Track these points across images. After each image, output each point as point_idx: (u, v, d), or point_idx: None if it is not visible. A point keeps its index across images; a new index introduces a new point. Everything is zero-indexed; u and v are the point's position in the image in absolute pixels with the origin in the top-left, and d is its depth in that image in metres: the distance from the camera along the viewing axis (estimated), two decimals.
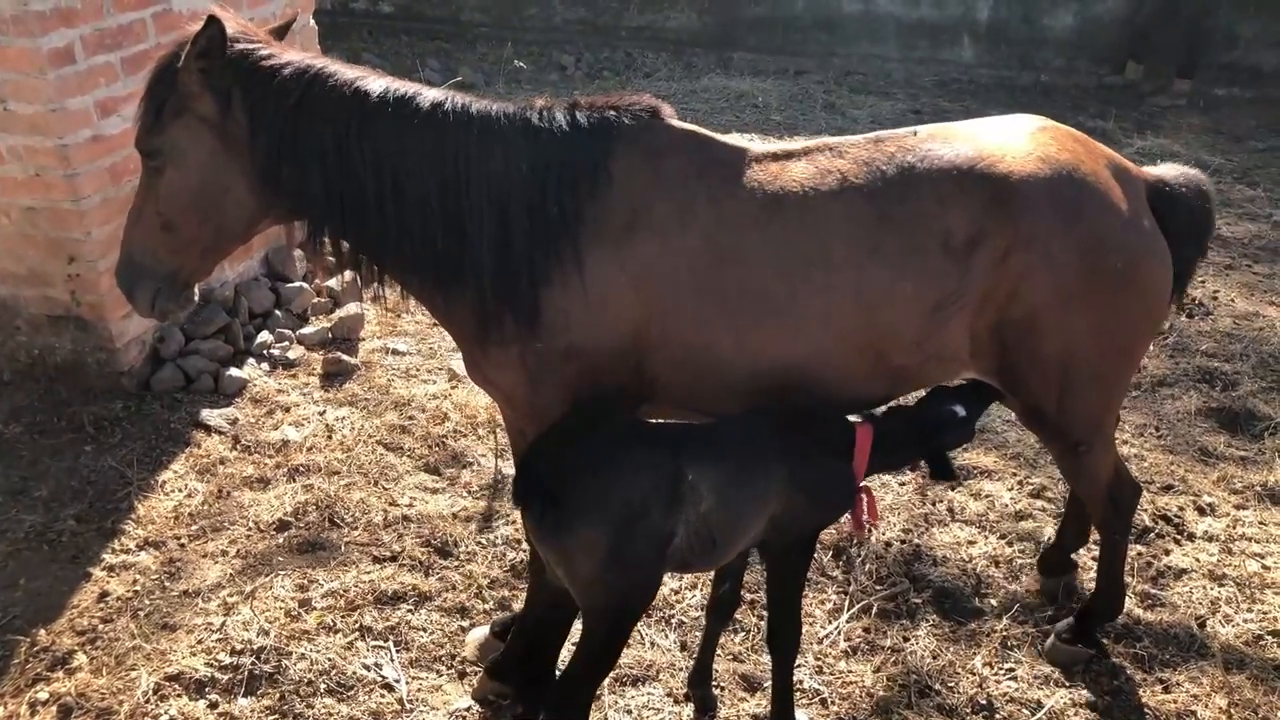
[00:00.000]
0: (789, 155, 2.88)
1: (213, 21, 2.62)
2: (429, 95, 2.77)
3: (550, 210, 2.71)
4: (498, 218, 2.73)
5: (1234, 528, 4.12)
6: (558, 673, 2.91)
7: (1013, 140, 2.86)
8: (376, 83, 2.76)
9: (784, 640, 2.99)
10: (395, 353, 5.40)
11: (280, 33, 2.98)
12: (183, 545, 3.94)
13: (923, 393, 3.10)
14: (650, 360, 2.82)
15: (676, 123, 2.90)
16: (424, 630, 3.54)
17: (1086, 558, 3.92)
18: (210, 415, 4.68)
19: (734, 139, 3.04)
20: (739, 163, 2.84)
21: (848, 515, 2.95)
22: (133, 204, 2.89)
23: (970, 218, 2.75)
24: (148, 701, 3.21)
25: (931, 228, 2.76)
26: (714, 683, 3.30)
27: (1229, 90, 10.01)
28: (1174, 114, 9.59)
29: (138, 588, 3.71)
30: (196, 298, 3.05)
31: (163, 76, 2.74)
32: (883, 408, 3.07)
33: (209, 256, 2.93)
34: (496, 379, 2.92)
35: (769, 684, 3.25)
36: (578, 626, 2.90)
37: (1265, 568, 3.90)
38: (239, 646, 3.40)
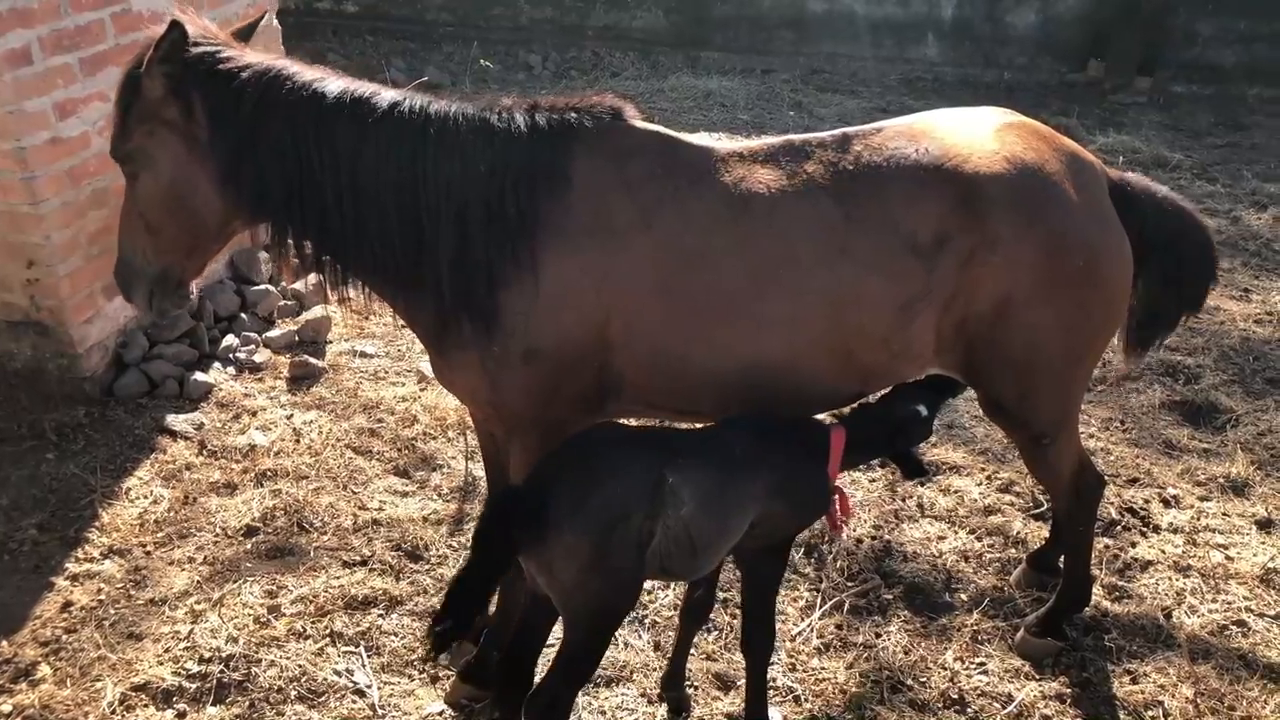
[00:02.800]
0: (755, 156, 2.88)
1: (175, 26, 2.62)
2: (386, 96, 2.76)
3: (508, 212, 2.70)
4: (455, 219, 2.71)
5: (1198, 519, 4.18)
6: (537, 676, 2.89)
7: (978, 138, 2.88)
8: (334, 83, 2.76)
9: (758, 643, 2.99)
10: (363, 355, 5.35)
11: (244, 34, 2.97)
12: (148, 553, 3.89)
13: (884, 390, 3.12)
14: (616, 361, 2.81)
15: (640, 123, 2.89)
16: (395, 635, 3.52)
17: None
18: (175, 420, 4.62)
19: (701, 138, 3.03)
20: (705, 163, 2.83)
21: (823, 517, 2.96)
22: (122, 208, 2.95)
23: (937, 217, 2.77)
24: (113, 712, 3.16)
25: (899, 228, 2.78)
26: (687, 682, 3.30)
27: (1188, 87, 10.15)
28: (1135, 111, 9.71)
29: (102, 597, 3.65)
30: (194, 295, 3.12)
31: (128, 83, 2.76)
32: (849, 408, 3.08)
33: (194, 256, 2.98)
34: (458, 381, 2.91)
35: (742, 682, 3.25)
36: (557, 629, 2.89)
37: (1229, 558, 3.95)
38: (207, 654, 3.36)
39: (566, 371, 2.80)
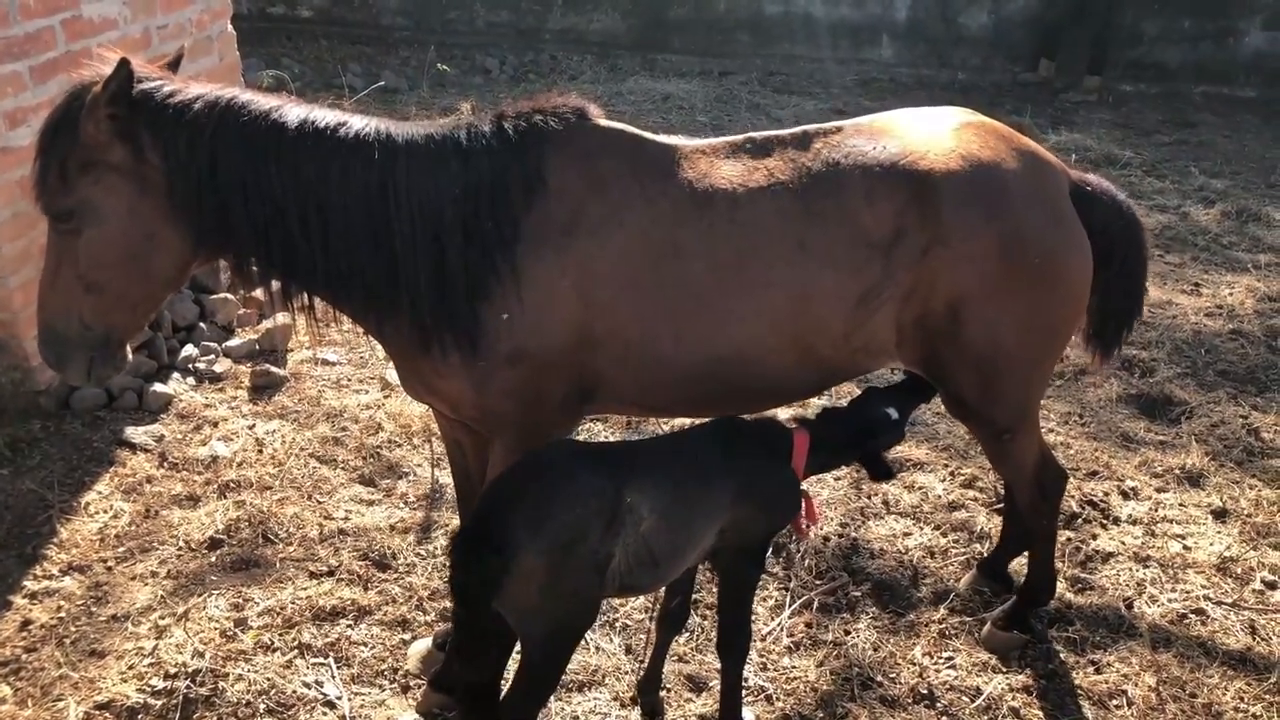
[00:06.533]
0: (717, 152, 2.92)
1: (123, 64, 2.49)
2: (352, 125, 2.70)
3: (486, 226, 2.69)
4: (431, 242, 2.68)
5: (1156, 510, 4.26)
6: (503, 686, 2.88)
7: (936, 137, 2.93)
8: (293, 112, 2.68)
9: (734, 645, 3.00)
10: (325, 363, 5.31)
11: (174, 65, 2.86)
12: (109, 568, 3.82)
13: (857, 392, 3.15)
14: (594, 359, 2.82)
15: (605, 122, 2.91)
16: (365, 645, 3.49)
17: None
18: (135, 433, 4.54)
19: (662, 137, 3.04)
20: (669, 160, 2.87)
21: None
22: (44, 273, 2.71)
23: (893, 213, 2.82)
24: None
25: (856, 222, 2.82)
26: (662, 685, 3.31)
27: (1136, 86, 10.36)
28: (1085, 109, 9.89)
29: (63, 614, 3.58)
30: (131, 355, 2.88)
31: (59, 130, 2.57)
32: (815, 409, 3.10)
33: (141, 310, 2.81)
34: (441, 387, 2.88)
35: (715, 684, 3.27)
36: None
37: (1186, 548, 4.03)
38: (173, 670, 3.31)
39: (550, 372, 2.80)
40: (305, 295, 2.82)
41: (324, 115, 2.71)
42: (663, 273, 2.78)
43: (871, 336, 2.90)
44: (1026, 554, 3.62)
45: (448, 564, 2.60)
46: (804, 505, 2.97)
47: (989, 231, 2.84)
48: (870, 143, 2.90)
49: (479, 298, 2.70)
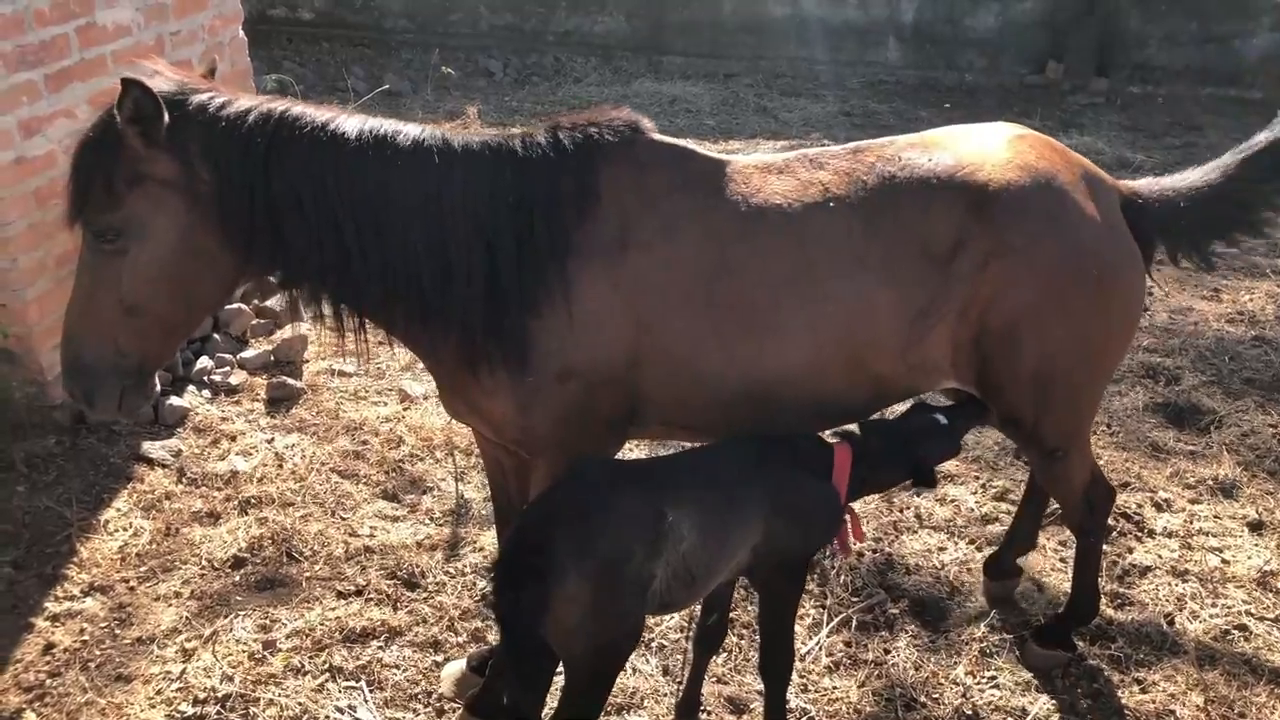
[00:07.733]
0: (769, 167, 2.87)
1: (129, 86, 2.39)
2: (409, 133, 2.65)
3: (539, 237, 2.63)
4: (483, 253, 2.63)
5: (1191, 523, 4.20)
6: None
7: (992, 148, 2.88)
8: (351, 123, 2.62)
9: (777, 667, 2.95)
10: (342, 374, 5.23)
11: (210, 76, 2.80)
12: (132, 588, 3.74)
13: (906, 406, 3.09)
14: (642, 377, 2.76)
15: (658, 136, 2.86)
16: (397, 667, 3.41)
17: (1055, 559, 3.97)
18: (152, 447, 4.46)
19: (715, 152, 2.98)
20: (722, 175, 2.82)
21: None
22: (75, 300, 2.62)
23: (951, 224, 2.76)
24: None
25: (913, 235, 2.77)
26: (702, 707, 3.24)
27: (1143, 88, 10.32)
28: (1094, 112, 9.85)
29: (86, 637, 3.51)
30: (159, 386, 2.78)
31: (102, 145, 2.50)
32: (855, 425, 3.04)
33: (179, 335, 2.75)
34: (486, 406, 2.81)
35: (756, 706, 3.22)
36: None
37: (1225, 562, 3.98)
38: (202, 695, 3.24)
39: (599, 391, 2.74)
40: (356, 316, 2.75)
41: (381, 125, 2.65)
42: (715, 289, 2.72)
43: (927, 354, 2.84)
44: (1070, 570, 3.56)
45: (490, 588, 2.53)
46: (850, 522, 2.91)
47: (1047, 242, 2.79)
48: (924, 155, 2.85)
49: (529, 312, 2.64)
